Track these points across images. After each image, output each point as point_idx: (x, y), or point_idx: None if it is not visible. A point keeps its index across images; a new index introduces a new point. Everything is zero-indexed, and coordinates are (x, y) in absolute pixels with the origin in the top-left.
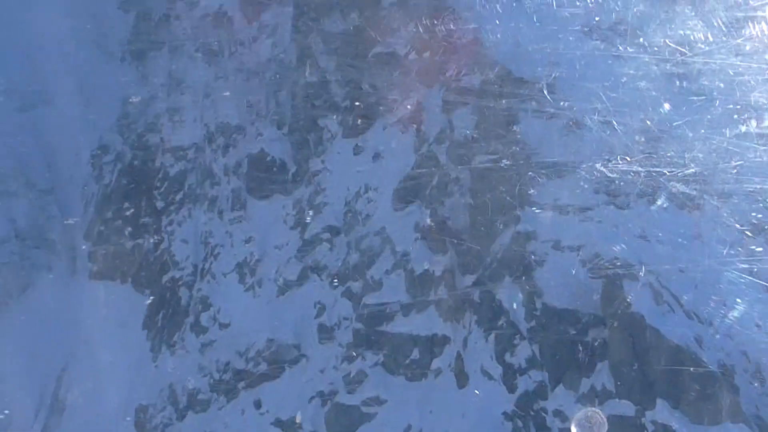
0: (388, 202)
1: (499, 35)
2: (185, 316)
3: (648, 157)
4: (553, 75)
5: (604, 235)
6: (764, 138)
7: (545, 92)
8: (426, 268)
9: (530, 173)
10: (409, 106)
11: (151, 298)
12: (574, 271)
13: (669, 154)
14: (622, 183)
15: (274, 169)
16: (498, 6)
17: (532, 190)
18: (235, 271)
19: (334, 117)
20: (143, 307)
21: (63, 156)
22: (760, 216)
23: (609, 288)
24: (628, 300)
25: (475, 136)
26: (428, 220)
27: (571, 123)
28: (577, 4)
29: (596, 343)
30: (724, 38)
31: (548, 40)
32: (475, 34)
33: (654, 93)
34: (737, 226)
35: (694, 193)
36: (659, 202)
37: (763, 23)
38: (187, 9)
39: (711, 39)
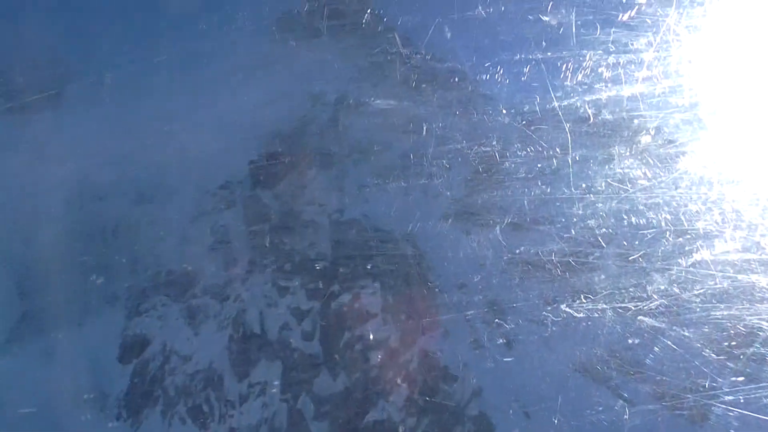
0: None
1: (449, 192)
2: None
3: (611, 293)
4: (506, 220)
5: None
6: (720, 264)
7: (500, 237)
8: None
9: None
10: None
11: None
12: None
13: (630, 289)
14: None
15: None
16: (445, 161)
17: None
18: None
19: None
20: None
21: None
22: (733, 343)
23: None
24: None
25: None
26: None
27: None
28: (518, 153)
29: None
30: (661, 173)
31: (496, 188)
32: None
33: (604, 230)
34: (713, 356)
35: (663, 326)
36: None
37: (694, 157)
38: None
39: (649, 175)
